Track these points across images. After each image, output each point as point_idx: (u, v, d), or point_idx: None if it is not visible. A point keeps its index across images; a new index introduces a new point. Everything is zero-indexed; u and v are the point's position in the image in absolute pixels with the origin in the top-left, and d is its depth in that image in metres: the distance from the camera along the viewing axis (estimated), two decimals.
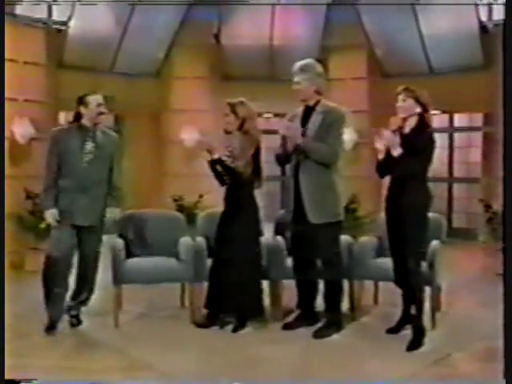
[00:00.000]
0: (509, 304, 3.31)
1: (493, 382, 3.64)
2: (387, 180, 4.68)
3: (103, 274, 4.95)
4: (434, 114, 10.64)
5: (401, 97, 4.38)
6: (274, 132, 4.78)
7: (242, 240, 4.62)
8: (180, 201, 9.22)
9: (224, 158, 4.55)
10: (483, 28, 9.54)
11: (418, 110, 4.35)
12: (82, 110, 4.37)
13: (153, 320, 5.07)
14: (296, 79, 4.43)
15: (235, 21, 10.30)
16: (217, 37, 10.33)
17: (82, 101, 4.38)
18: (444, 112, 10.51)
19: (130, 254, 5.10)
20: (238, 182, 4.57)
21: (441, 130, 10.69)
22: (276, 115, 10.58)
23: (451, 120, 10.70)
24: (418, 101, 4.34)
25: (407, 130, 4.42)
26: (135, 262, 5.03)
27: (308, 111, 4.47)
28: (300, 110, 4.57)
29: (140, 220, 5.26)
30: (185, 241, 5.12)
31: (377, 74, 10.75)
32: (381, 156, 4.45)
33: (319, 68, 4.50)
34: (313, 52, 10.40)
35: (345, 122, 4.51)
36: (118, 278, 4.83)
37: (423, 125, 4.37)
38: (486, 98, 9.66)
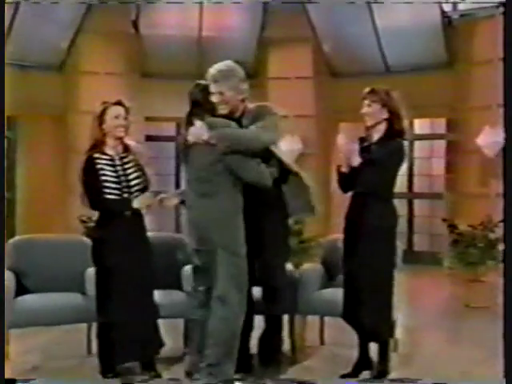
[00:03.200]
0: (509, 304, 3.43)
1: (493, 382, 3.79)
2: (340, 197, 4.71)
3: None
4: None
5: (365, 101, 4.39)
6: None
7: None
8: (90, 222, 8.94)
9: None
10: (447, 20, 9.79)
11: (386, 115, 4.36)
12: None
13: (49, 374, 4.81)
14: (218, 89, 4.20)
15: (157, 6, 10.27)
16: (135, 24, 10.29)
17: None
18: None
19: (22, 291, 4.91)
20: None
21: None
22: None
23: (410, 127, 10.67)
24: (384, 105, 4.36)
25: (375, 138, 4.43)
26: (28, 300, 4.84)
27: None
28: None
29: (36, 247, 5.13)
30: (93, 272, 4.93)
31: (324, 73, 10.88)
32: (344, 168, 4.43)
33: (242, 71, 4.33)
34: (250, 46, 10.69)
35: (275, 114, 4.37)
36: (6, 322, 4.57)
37: (393, 133, 4.37)
38: (450, 100, 9.89)
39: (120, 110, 4.49)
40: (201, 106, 4.18)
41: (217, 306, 4.12)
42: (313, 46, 10.70)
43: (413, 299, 6.17)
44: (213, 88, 4.20)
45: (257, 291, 4.61)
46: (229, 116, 4.27)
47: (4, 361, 3.56)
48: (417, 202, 10.95)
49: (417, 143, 10.87)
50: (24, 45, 9.15)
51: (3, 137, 4.20)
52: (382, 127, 4.37)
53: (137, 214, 4.46)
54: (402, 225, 10.72)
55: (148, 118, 10.74)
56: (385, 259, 4.36)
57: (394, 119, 4.37)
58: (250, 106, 4.38)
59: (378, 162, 4.31)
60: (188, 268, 5.10)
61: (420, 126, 10.84)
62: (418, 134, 10.83)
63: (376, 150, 4.34)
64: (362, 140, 4.47)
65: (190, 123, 4.20)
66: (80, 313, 4.84)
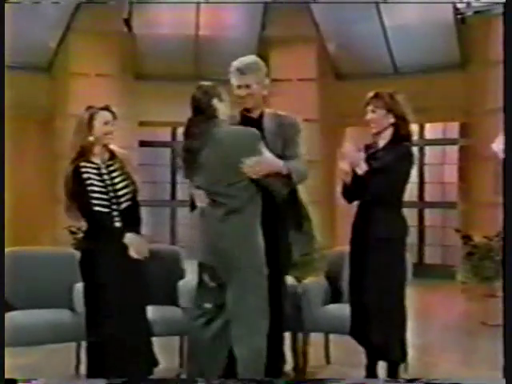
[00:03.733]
0: (509, 303, 3.51)
1: (493, 382, 3.89)
2: (345, 207, 4.71)
3: None
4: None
5: (369, 107, 4.40)
6: None
7: None
8: (79, 233, 8.90)
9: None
10: (460, 17, 9.76)
11: (392, 120, 4.36)
12: None
13: None
14: (245, 81, 4.29)
15: (152, 3, 10.29)
16: (128, 23, 10.27)
17: None
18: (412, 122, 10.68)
19: (6, 307, 4.73)
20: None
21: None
22: None
23: (421, 131, 10.88)
24: (390, 110, 4.35)
25: (381, 144, 4.44)
26: (13, 318, 4.79)
27: (248, 124, 4.32)
28: (235, 119, 4.40)
29: (22, 261, 5.11)
30: (82, 287, 4.89)
31: (329, 75, 10.89)
32: (348, 177, 4.42)
33: (265, 67, 4.44)
34: (249, 46, 10.53)
35: (301, 133, 4.49)
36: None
37: (400, 137, 4.38)
38: (464, 103, 9.86)
39: (108, 115, 4.45)
40: (203, 110, 4.13)
41: (241, 331, 4.06)
42: (317, 46, 10.72)
43: (424, 316, 6.15)
44: (239, 81, 4.28)
45: None
46: (248, 115, 4.36)
47: (4, 361, 3.65)
48: (428, 212, 10.93)
49: (428, 149, 10.87)
50: (9, 44, 9.04)
51: (3, 136, 4.25)
52: (388, 132, 4.39)
53: (128, 223, 4.41)
54: (412, 236, 10.80)
55: (142, 123, 10.75)
56: (394, 272, 4.35)
57: (400, 124, 4.37)
58: (269, 110, 4.43)
59: (386, 168, 4.31)
60: (185, 282, 5.10)
61: (431, 130, 10.84)
62: (429, 139, 10.86)
63: (383, 157, 4.35)
64: (367, 147, 4.48)
65: (192, 130, 4.14)
66: (68, 331, 4.83)
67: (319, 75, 10.75)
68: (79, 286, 4.79)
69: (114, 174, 4.45)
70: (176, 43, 10.38)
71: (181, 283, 5.15)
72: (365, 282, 4.33)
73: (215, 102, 4.11)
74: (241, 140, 4.08)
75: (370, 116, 4.39)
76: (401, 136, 4.37)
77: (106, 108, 4.48)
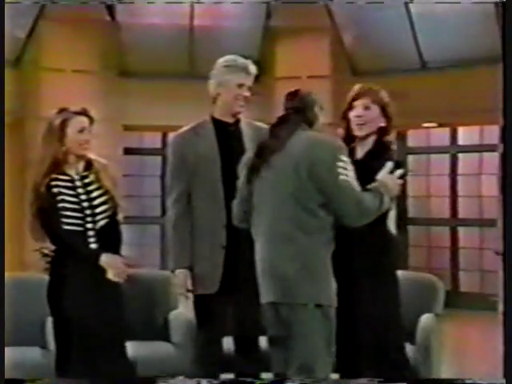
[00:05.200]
0: (509, 303, 3.80)
1: (493, 382, 4.12)
2: None
3: None
4: (427, 128, 10.81)
5: (361, 101, 4.20)
6: None
7: None
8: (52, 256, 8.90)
9: None
10: (501, 3, 9.70)
11: (383, 123, 4.21)
12: None
13: None
14: (249, 82, 4.51)
15: None
16: (111, 10, 10.30)
17: None
18: (442, 125, 10.65)
19: None
20: None
21: (438, 151, 10.80)
22: None
23: (453, 136, 10.83)
24: (384, 109, 4.21)
25: (360, 154, 4.22)
26: None
27: (225, 131, 4.50)
28: (206, 126, 4.52)
29: None
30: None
31: (345, 71, 10.85)
32: None
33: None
34: (253, 37, 10.68)
35: None
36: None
37: (382, 146, 4.22)
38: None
39: (84, 121, 4.38)
40: (305, 116, 4.03)
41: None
42: (330, 38, 10.74)
43: (459, 352, 6.06)
44: (244, 79, 4.42)
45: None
46: (223, 120, 4.50)
47: (4, 361, 3.88)
48: (462, 231, 10.88)
49: (462, 157, 10.82)
50: None
51: (3, 137, 4.42)
52: (372, 139, 4.22)
53: (106, 244, 4.36)
54: (444, 260, 10.81)
55: (127, 127, 10.77)
56: (380, 304, 4.11)
57: (387, 129, 4.22)
58: (244, 118, 4.57)
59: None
60: (177, 314, 5.15)
61: (466, 135, 10.80)
62: (463, 145, 10.82)
63: (368, 168, 4.08)
64: None
65: (283, 136, 3.97)
66: (39, 372, 4.80)
67: (333, 72, 10.78)
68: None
69: (90, 188, 4.40)
70: (167, 34, 10.40)
71: (172, 315, 5.18)
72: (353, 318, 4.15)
73: (317, 110, 4.09)
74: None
75: (361, 112, 4.18)
76: (383, 144, 4.22)
77: (82, 112, 4.41)
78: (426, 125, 10.69)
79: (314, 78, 10.52)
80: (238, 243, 4.28)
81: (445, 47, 10.04)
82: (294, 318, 3.82)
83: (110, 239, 4.36)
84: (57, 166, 4.35)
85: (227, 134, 4.47)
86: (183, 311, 5.15)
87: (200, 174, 4.39)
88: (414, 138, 11.03)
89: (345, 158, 3.86)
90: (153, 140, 11.53)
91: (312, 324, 3.82)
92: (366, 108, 4.18)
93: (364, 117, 4.18)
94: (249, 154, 4.06)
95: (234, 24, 10.54)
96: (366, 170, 4.03)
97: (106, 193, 4.40)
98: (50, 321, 4.77)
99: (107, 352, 4.31)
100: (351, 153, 4.15)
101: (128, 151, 10.90)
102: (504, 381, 3.83)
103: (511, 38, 4.03)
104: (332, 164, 3.79)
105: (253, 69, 4.50)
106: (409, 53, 10.37)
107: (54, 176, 4.33)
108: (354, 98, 4.21)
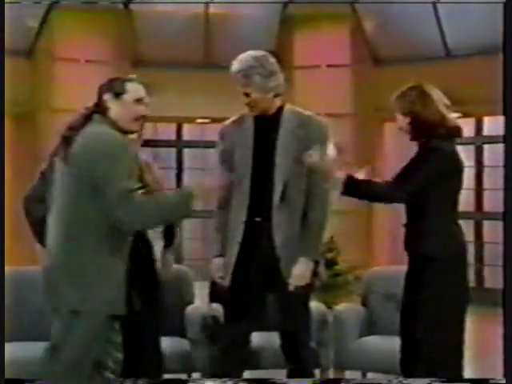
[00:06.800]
0: (509, 303, 3.86)
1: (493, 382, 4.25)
2: (384, 215, 4.61)
3: None
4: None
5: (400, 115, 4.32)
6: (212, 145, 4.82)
7: None
8: None
9: None
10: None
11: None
12: None
13: None
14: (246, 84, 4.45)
15: None
16: None
17: None
18: (467, 115, 10.38)
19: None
20: None
21: (464, 141, 10.65)
22: (214, 120, 10.59)
23: (478, 126, 10.90)
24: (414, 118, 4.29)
25: None
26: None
27: (264, 123, 4.49)
28: (246, 118, 4.53)
29: (18, 284, 5.23)
30: None
31: (365, 60, 10.85)
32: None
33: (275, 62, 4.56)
34: (270, 25, 10.64)
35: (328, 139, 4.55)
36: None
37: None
38: None
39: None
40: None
41: None
42: (351, 25, 10.66)
43: (485, 351, 5.92)
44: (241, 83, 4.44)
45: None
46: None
47: (4, 361, 4.01)
48: (487, 225, 10.86)
49: (487, 148, 10.87)
50: None
51: (3, 137, 4.60)
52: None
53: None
54: (469, 254, 10.64)
55: None
56: (447, 300, 4.28)
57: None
58: (296, 108, 4.54)
59: None
60: (194, 308, 5.19)
61: (492, 125, 10.76)
62: (488, 135, 10.82)
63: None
64: None
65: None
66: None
67: (354, 60, 10.72)
68: None
69: None
70: (182, 22, 10.40)
71: (189, 310, 5.21)
72: (416, 310, 4.29)
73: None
74: None
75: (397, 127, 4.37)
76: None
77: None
78: None
79: (334, 67, 10.58)
80: (253, 239, 4.39)
81: (470, 35, 10.01)
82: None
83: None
84: None
85: (266, 125, 4.47)
86: (200, 306, 5.22)
87: (237, 165, 4.46)
88: None
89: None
90: (168, 131, 11.57)
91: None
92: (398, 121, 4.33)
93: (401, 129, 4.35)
94: None
95: (251, 11, 10.51)
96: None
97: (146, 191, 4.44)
98: None
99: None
100: None
101: (142, 143, 10.81)
102: (504, 381, 3.90)
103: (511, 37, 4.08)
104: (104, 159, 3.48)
105: (252, 66, 4.44)
106: (433, 40, 10.34)
107: None
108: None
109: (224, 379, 4.36)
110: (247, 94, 4.39)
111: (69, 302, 3.51)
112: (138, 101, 3.73)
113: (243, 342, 4.62)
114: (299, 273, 4.32)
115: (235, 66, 4.42)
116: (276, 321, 4.55)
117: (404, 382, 4.30)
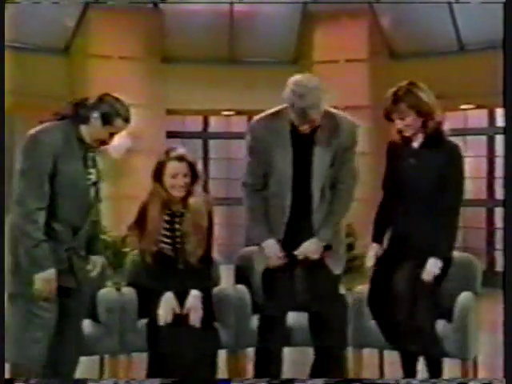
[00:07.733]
0: (509, 303, 3.80)
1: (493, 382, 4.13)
2: None
3: None
4: (464, 110, 10.79)
5: (398, 107, 4.45)
6: (240, 136, 4.83)
7: None
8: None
9: None
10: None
11: (420, 123, 4.47)
12: None
13: None
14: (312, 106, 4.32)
15: None
16: None
17: None
18: (480, 106, 10.62)
19: None
20: None
21: (477, 132, 10.74)
22: (239, 113, 10.66)
23: (491, 117, 10.76)
24: (419, 112, 4.42)
25: (416, 144, 4.54)
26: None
27: (299, 136, 4.41)
28: (285, 112, 4.40)
29: None
30: (107, 294, 5.03)
31: (383, 54, 10.86)
32: None
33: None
34: (291, 22, 10.69)
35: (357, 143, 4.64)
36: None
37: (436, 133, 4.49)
38: None
39: (177, 167, 4.56)
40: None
41: None
42: (368, 21, 10.70)
43: (496, 332, 6.06)
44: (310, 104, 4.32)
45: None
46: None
47: (4, 361, 3.92)
48: (499, 211, 10.72)
49: (499, 138, 10.64)
50: (21, 22, 9.05)
51: (3, 137, 4.41)
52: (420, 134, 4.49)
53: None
54: (480, 239, 10.75)
55: (170, 111, 10.80)
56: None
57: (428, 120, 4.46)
58: (330, 110, 4.49)
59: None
60: (219, 290, 5.07)
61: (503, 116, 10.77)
62: (501, 126, 10.48)
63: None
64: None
65: None
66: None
67: (371, 55, 10.74)
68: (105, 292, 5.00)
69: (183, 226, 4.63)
70: (208, 20, 10.44)
71: (215, 292, 5.05)
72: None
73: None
74: None
75: (399, 123, 4.45)
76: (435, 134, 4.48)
77: (179, 157, 4.54)
78: (463, 107, 10.59)
79: (352, 61, 10.57)
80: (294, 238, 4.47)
81: (483, 29, 9.85)
82: None
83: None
84: (164, 202, 4.60)
85: (303, 142, 4.41)
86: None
87: (274, 161, 4.41)
88: (451, 120, 10.97)
89: None
90: (194, 124, 11.56)
91: None
92: (402, 116, 4.42)
93: (404, 125, 4.44)
94: None
95: (273, 9, 10.53)
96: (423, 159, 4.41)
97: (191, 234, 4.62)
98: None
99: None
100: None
101: (170, 134, 10.99)
102: (504, 381, 3.85)
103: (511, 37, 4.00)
104: None
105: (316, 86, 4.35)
106: (447, 35, 10.27)
107: (165, 210, 4.63)
108: (392, 108, 4.46)
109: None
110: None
111: None
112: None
113: (282, 319, 4.65)
114: (303, 249, 4.44)
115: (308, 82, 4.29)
116: (308, 301, 4.62)
117: (412, 382, 4.30)
